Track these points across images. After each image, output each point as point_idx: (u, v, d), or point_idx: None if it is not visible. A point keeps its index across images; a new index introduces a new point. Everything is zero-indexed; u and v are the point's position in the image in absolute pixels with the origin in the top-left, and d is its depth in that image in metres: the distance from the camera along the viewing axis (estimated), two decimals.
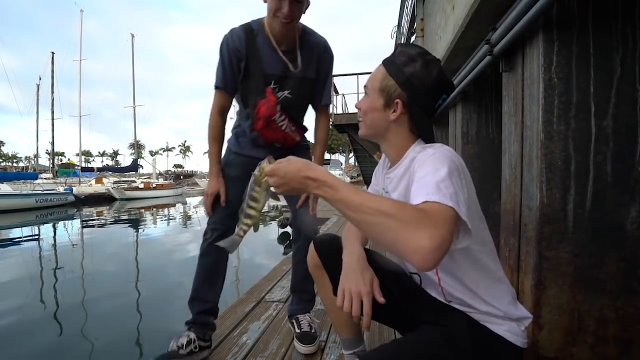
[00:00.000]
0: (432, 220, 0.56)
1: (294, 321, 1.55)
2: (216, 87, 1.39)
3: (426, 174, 0.65)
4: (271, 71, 1.36)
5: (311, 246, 1.03)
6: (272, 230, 7.79)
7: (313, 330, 1.48)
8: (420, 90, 0.79)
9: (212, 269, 1.45)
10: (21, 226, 10.23)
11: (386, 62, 0.83)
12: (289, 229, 6.95)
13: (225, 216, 1.44)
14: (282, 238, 7.24)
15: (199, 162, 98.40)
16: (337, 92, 8.86)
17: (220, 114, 1.43)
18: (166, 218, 12.56)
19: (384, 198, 0.69)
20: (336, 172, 24.51)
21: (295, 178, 0.67)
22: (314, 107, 1.56)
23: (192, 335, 1.33)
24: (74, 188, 17.95)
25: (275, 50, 1.35)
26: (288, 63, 1.37)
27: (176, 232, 9.24)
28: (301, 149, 1.55)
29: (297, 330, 1.49)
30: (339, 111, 8.70)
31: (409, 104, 0.80)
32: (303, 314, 1.56)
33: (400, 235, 0.56)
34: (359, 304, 0.76)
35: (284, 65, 1.37)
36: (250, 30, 1.34)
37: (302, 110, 1.53)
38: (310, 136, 1.65)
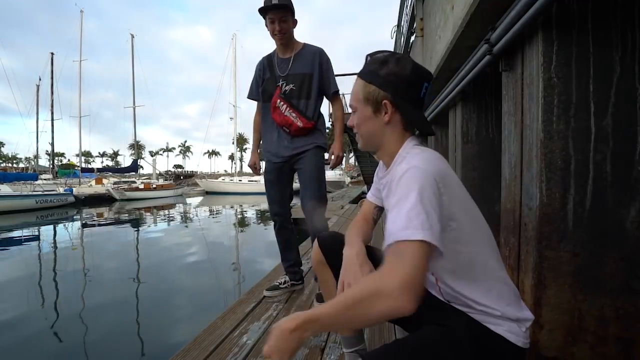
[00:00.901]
0: (388, 271, 0.61)
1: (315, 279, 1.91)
2: (253, 99, 2.11)
3: (396, 203, 0.68)
4: (279, 72, 1.95)
5: (315, 243, 1.06)
6: (272, 230, 7.78)
7: None
8: (400, 85, 0.80)
9: (285, 242, 2.12)
10: (21, 227, 10.23)
11: (361, 74, 0.85)
12: None
13: (277, 207, 2.06)
14: None
15: (199, 162, 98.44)
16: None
17: (259, 114, 2.11)
18: (166, 219, 12.57)
19: (345, 292, 0.67)
20: (336, 172, 24.48)
21: (287, 341, 0.65)
22: (327, 98, 2.02)
23: (286, 278, 2.14)
24: (74, 189, 17.94)
25: (281, 58, 1.96)
26: (289, 65, 1.93)
27: (177, 233, 9.24)
28: (309, 132, 1.94)
29: (319, 291, 1.80)
30: (348, 110, 8.68)
31: (395, 101, 0.81)
32: None
33: (375, 306, 0.60)
34: None
35: (286, 66, 1.94)
36: (269, 55, 2.03)
37: (305, 100, 1.92)
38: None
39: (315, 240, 1.07)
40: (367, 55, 0.87)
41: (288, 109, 1.90)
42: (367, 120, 0.85)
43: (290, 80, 1.91)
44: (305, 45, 1.97)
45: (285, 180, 2.03)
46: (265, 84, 2.00)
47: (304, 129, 1.90)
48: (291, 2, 1.83)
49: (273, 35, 1.85)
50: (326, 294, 1.07)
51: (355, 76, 0.87)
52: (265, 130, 2.05)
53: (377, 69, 0.82)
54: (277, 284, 2.11)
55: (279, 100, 1.91)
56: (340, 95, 2.03)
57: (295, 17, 1.88)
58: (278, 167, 1.99)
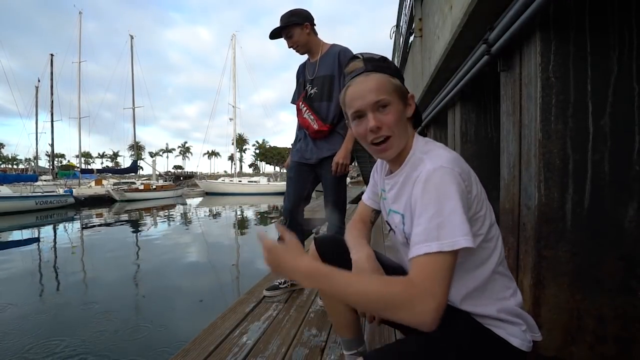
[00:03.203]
0: (424, 289, 0.59)
1: None
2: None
3: (429, 206, 0.64)
4: (306, 77, 2.04)
5: (312, 246, 1.03)
6: (273, 230, 7.80)
7: None
8: (403, 80, 0.81)
9: None
10: (21, 228, 10.22)
11: (378, 69, 0.78)
12: None
13: (288, 204, 2.06)
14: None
15: (199, 163, 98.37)
16: None
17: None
18: (166, 219, 12.56)
19: (371, 279, 0.68)
20: None
21: (291, 272, 0.67)
22: None
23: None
24: (73, 190, 17.95)
25: (311, 63, 2.03)
26: (315, 69, 1.99)
27: (177, 234, 9.23)
28: (329, 136, 1.96)
29: None
30: None
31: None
32: None
33: (397, 315, 0.60)
34: None
35: (312, 71, 2.00)
36: (306, 60, 2.08)
37: (327, 102, 1.94)
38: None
39: (312, 243, 1.04)
40: (358, 55, 0.81)
41: (308, 111, 1.96)
42: (402, 118, 0.78)
43: (315, 83, 1.97)
44: (332, 46, 1.99)
45: (302, 180, 2.06)
46: (298, 88, 2.11)
47: (319, 131, 1.93)
48: (293, 14, 1.89)
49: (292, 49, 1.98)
50: (325, 299, 1.06)
51: (363, 75, 0.77)
52: (297, 130, 2.15)
53: (389, 64, 0.79)
54: (277, 283, 2.12)
55: (301, 103, 2.00)
56: None
57: (306, 22, 1.90)
58: (299, 166, 2.05)
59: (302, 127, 2.03)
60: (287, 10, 1.92)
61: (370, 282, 0.64)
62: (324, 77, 1.94)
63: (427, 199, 0.65)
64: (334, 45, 1.99)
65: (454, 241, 0.61)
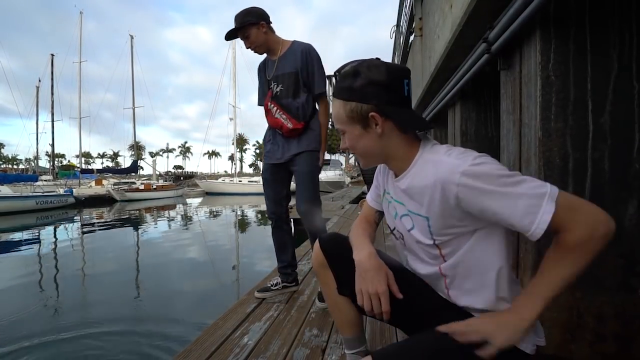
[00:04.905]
0: (585, 221, 0.63)
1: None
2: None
3: (505, 196, 0.65)
4: (268, 76, 1.96)
5: (316, 245, 1.02)
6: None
7: None
8: (381, 92, 0.76)
9: (279, 243, 2.10)
10: (21, 228, 10.23)
11: (336, 94, 0.81)
12: None
13: (272, 206, 2.05)
14: None
15: (199, 163, 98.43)
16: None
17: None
18: (167, 219, 12.57)
19: (560, 267, 0.68)
20: (336, 172, 24.43)
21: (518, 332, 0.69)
22: (314, 99, 1.96)
23: (279, 279, 2.09)
24: (74, 190, 17.95)
25: (271, 61, 1.96)
26: (275, 66, 1.92)
27: (177, 234, 9.24)
28: (302, 133, 1.91)
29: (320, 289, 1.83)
30: None
31: (381, 109, 0.76)
32: None
33: (599, 248, 0.64)
34: (379, 303, 0.80)
35: (274, 67, 1.93)
36: (264, 59, 2.03)
37: (293, 99, 1.89)
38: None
39: (317, 242, 1.02)
40: (335, 72, 0.83)
41: (278, 110, 1.90)
42: (360, 139, 0.80)
43: (279, 81, 1.90)
44: (293, 43, 1.94)
45: (280, 180, 2.03)
46: (261, 88, 2.03)
47: (294, 130, 1.89)
48: (247, 13, 1.82)
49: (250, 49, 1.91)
50: (327, 297, 1.04)
51: (334, 99, 0.81)
52: (266, 131, 2.07)
53: (351, 83, 0.77)
54: (269, 285, 2.08)
55: (269, 103, 1.93)
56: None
57: (261, 21, 1.84)
58: (274, 167, 2.00)
59: (273, 127, 1.97)
60: (240, 10, 1.85)
61: (563, 269, 0.66)
62: (289, 74, 1.88)
63: (492, 188, 0.65)
64: (294, 42, 1.94)
65: (549, 188, 0.64)
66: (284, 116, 1.89)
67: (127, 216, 13.36)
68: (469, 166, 0.67)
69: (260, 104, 2.06)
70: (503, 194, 0.65)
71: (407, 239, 0.86)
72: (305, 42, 1.92)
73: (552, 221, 0.62)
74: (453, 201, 0.70)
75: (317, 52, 1.92)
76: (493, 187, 0.65)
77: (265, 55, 1.99)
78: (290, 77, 1.88)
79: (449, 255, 0.78)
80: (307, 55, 1.88)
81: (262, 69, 2.02)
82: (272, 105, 1.92)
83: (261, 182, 2.11)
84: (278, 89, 1.91)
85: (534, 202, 0.63)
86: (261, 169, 2.13)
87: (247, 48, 1.89)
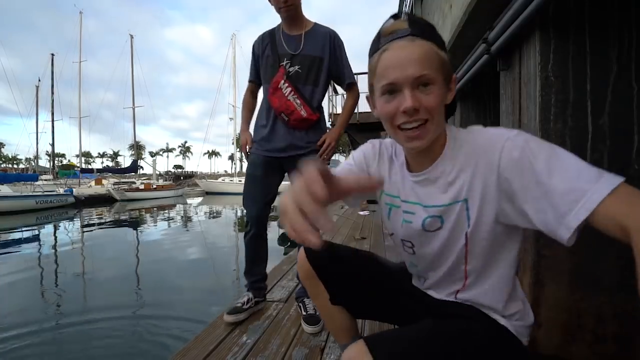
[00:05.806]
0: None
1: (300, 304, 1.75)
2: (249, 81, 1.83)
3: (557, 167, 0.55)
4: (283, 51, 1.66)
5: (301, 254, 0.94)
6: (273, 230, 7.80)
7: (317, 313, 1.64)
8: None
9: (259, 253, 1.83)
10: (21, 228, 10.23)
11: (429, 34, 0.62)
12: None
13: (256, 210, 1.75)
14: (283, 239, 7.25)
15: (199, 162, 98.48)
16: (336, 92, 8.87)
17: (250, 94, 1.86)
18: (167, 219, 12.57)
19: None
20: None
21: None
22: (342, 89, 1.78)
23: (250, 295, 1.78)
24: (74, 189, 17.96)
25: (287, 35, 1.67)
26: (299, 44, 1.65)
27: (177, 233, 9.24)
28: (311, 127, 1.68)
29: (304, 313, 1.68)
30: (339, 111, 8.71)
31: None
32: (308, 297, 1.71)
33: None
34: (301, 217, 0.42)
35: (294, 45, 1.65)
36: (271, 30, 1.73)
37: (312, 86, 1.66)
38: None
39: (301, 250, 0.94)
40: (399, 14, 0.64)
41: (292, 93, 1.62)
42: (442, 101, 0.63)
43: (297, 61, 1.63)
44: (315, 24, 1.69)
45: (271, 179, 1.74)
46: (265, 62, 1.71)
47: (306, 120, 1.64)
48: None
49: (278, 9, 1.60)
50: (320, 309, 0.99)
51: (407, 39, 0.60)
52: (259, 116, 1.76)
53: (437, 33, 0.63)
54: (240, 304, 1.73)
55: (282, 81, 1.63)
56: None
57: None
58: (268, 161, 1.70)
59: (277, 110, 1.65)
60: None
61: None
62: (313, 58, 1.64)
63: (544, 156, 0.56)
64: (318, 25, 1.70)
65: (612, 177, 0.51)
66: (299, 101, 1.62)
67: (126, 216, 13.36)
68: (516, 135, 0.59)
69: (252, 79, 1.80)
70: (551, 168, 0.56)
71: (421, 244, 0.76)
72: (328, 27, 1.70)
73: (615, 201, 0.51)
74: (495, 175, 0.60)
75: (341, 40, 1.72)
76: (543, 154, 0.57)
77: (270, 26, 1.76)
78: (314, 61, 1.64)
79: (474, 259, 0.70)
80: (334, 42, 1.67)
81: (270, 40, 1.70)
82: (287, 85, 1.63)
83: None
84: (294, 69, 1.63)
85: (590, 172, 0.55)
86: (246, 161, 1.80)
87: (280, 6, 1.59)
